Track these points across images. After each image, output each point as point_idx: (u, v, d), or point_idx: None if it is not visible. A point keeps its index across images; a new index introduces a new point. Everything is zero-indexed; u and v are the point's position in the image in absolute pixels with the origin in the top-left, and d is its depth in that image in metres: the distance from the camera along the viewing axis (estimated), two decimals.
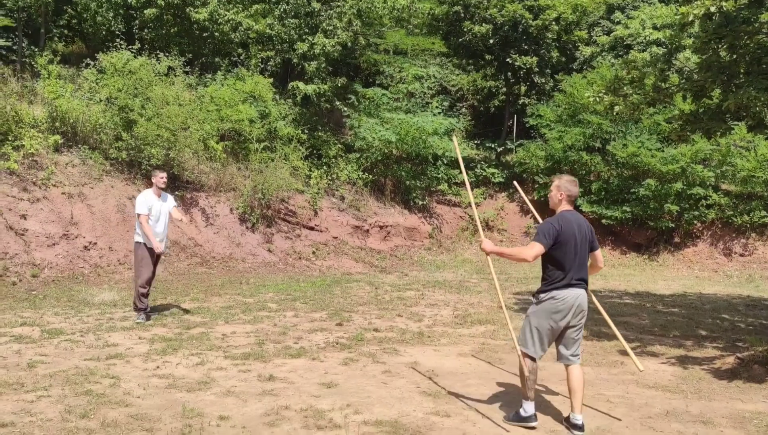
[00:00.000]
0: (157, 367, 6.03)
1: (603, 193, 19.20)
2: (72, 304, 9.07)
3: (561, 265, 4.71)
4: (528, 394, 4.76)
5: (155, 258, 8.40)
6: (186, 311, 8.79)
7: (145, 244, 8.23)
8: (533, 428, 4.73)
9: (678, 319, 9.69)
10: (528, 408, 4.77)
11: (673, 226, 18.70)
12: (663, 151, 18.35)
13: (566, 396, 5.07)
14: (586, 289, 4.82)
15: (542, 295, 4.78)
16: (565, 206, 4.90)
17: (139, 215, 8.19)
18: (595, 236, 5.00)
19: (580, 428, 4.65)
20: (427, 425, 4.72)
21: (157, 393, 5.25)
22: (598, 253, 5.07)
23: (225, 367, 6.11)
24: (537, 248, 4.65)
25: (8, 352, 6.36)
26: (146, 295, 8.26)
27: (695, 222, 18.63)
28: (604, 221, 18.99)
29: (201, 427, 4.51)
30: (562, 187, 4.88)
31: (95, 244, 11.64)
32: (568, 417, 4.79)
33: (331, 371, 6.10)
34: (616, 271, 16.99)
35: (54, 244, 11.10)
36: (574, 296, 4.70)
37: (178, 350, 6.66)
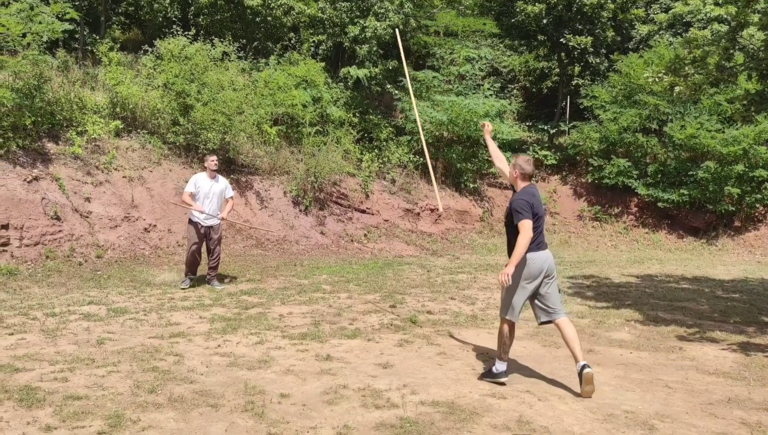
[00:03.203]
0: (219, 345, 6.22)
1: (659, 175, 18.77)
2: (134, 284, 9.40)
3: (534, 233, 5.17)
4: (503, 356, 5.33)
5: (203, 233, 9.31)
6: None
7: (190, 218, 9.33)
8: (503, 384, 5.24)
9: (739, 304, 9.45)
10: (500, 367, 5.31)
11: (734, 209, 18.15)
12: (723, 132, 17.79)
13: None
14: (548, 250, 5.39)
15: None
16: (522, 183, 5.42)
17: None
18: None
19: (587, 366, 5.08)
20: (483, 407, 4.76)
21: (220, 370, 5.42)
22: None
23: (283, 346, 6.26)
24: (527, 224, 5.12)
25: (78, 329, 6.66)
26: (189, 263, 9.27)
27: (757, 205, 18.04)
28: (660, 204, 18.59)
29: (263, 403, 4.65)
30: (518, 166, 5.41)
31: (155, 226, 11.99)
32: (578, 369, 5.14)
33: (387, 352, 6.18)
34: (672, 255, 16.62)
35: (116, 226, 11.48)
36: (543, 258, 5.25)
37: (237, 329, 6.84)
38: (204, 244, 9.41)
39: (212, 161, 9.41)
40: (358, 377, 5.34)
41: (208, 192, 9.31)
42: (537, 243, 5.22)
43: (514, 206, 5.22)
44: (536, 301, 5.36)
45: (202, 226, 9.28)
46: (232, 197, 9.75)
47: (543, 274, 5.25)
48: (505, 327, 5.34)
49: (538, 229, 5.23)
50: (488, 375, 5.37)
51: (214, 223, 9.39)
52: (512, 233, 5.31)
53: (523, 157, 5.50)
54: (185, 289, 9.10)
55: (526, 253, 5.13)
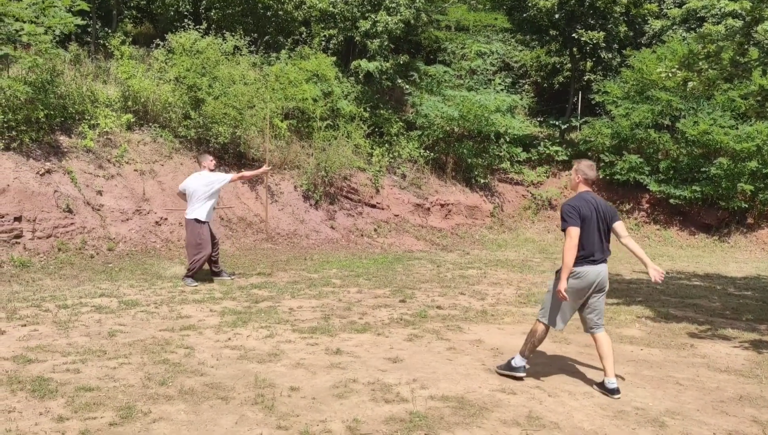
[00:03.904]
0: (229, 338, 6.24)
1: (671, 172, 18.64)
2: (146, 276, 9.45)
3: (585, 243, 4.99)
4: (526, 353, 5.27)
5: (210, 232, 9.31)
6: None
7: (197, 219, 9.17)
8: (520, 379, 5.22)
9: (751, 302, 9.39)
10: (519, 361, 5.27)
11: (747, 206, 18.00)
12: (737, 128, 17.63)
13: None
14: (606, 263, 5.16)
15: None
16: (582, 188, 5.23)
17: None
18: (616, 212, 5.27)
19: (616, 391, 4.97)
20: (493, 402, 4.75)
21: (230, 363, 5.45)
22: (618, 224, 5.24)
23: (293, 340, 6.27)
24: (572, 232, 4.95)
25: (90, 321, 6.70)
26: (201, 265, 9.21)
27: None
28: (672, 201, 18.47)
29: (273, 396, 4.67)
30: (580, 171, 5.24)
31: (166, 219, 12.04)
32: (603, 382, 5.08)
33: (396, 347, 6.19)
34: (684, 252, 16.53)
35: (128, 220, 11.54)
36: (596, 273, 5.03)
37: (247, 323, 6.87)
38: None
39: (211, 161, 9.43)
40: (368, 371, 5.35)
41: (193, 188, 9.13)
42: (590, 255, 5.01)
43: (561, 212, 5.08)
44: (583, 312, 5.22)
45: (207, 223, 9.17)
46: (228, 181, 9.42)
47: (593, 289, 5.08)
48: (540, 328, 5.22)
49: (590, 240, 5.01)
50: (506, 368, 5.32)
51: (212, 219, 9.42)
52: (607, 235, 5.18)
53: (586, 161, 5.31)
54: (196, 286, 8.95)
55: (579, 266, 4.97)
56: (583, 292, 5.06)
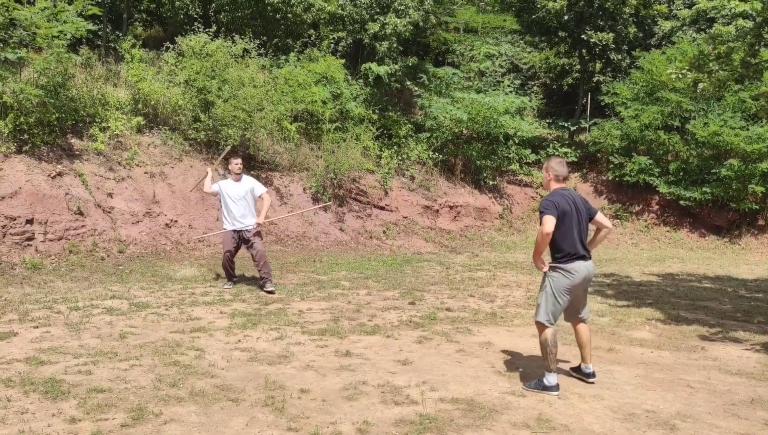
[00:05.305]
0: (239, 340, 6.27)
1: (681, 173, 18.56)
2: (156, 278, 9.49)
3: (567, 239, 5.06)
4: (551, 366, 5.06)
5: (236, 238, 8.89)
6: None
7: (227, 229, 8.96)
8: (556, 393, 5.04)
9: (762, 304, 9.33)
10: (551, 379, 5.04)
11: (758, 208, 17.89)
12: (747, 129, 17.53)
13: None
14: (590, 258, 5.24)
15: (558, 269, 5.09)
16: (555, 185, 5.25)
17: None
18: (590, 204, 5.34)
19: (593, 375, 5.30)
20: (503, 404, 4.75)
21: (240, 365, 5.47)
22: (599, 215, 5.35)
23: (303, 342, 6.29)
24: (548, 220, 4.95)
25: (101, 323, 6.74)
26: (225, 267, 9.03)
27: None
28: (682, 202, 18.39)
29: (283, 398, 4.68)
30: (551, 169, 5.26)
31: (176, 221, 12.10)
32: (579, 367, 5.40)
33: (406, 349, 6.19)
34: (694, 254, 16.44)
35: (138, 222, 11.60)
36: (585, 268, 5.11)
37: (257, 325, 6.89)
38: (241, 249, 9.01)
39: (236, 164, 8.88)
40: (378, 373, 5.36)
41: (234, 195, 8.79)
42: (575, 251, 5.07)
43: (541, 205, 5.09)
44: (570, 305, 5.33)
45: (235, 232, 8.81)
46: (267, 192, 9.15)
47: (582, 283, 5.16)
48: (547, 334, 5.07)
49: (571, 236, 5.07)
50: (536, 385, 5.09)
51: (245, 228, 8.83)
52: (586, 230, 5.26)
53: (555, 158, 5.36)
54: (228, 289, 8.85)
55: (568, 262, 5.05)
56: (574, 288, 5.12)
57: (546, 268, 5.16)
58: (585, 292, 5.34)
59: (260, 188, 9.06)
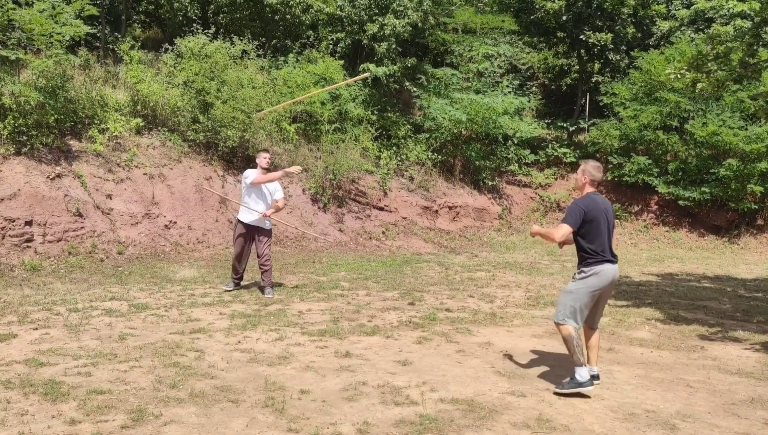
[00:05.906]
0: (239, 341, 6.26)
1: (680, 173, 18.59)
2: (155, 280, 9.48)
3: (596, 242, 5.12)
4: (580, 359, 5.02)
5: (249, 233, 8.62)
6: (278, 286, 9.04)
7: (239, 220, 8.67)
8: (588, 396, 4.96)
9: (762, 304, 9.34)
10: (583, 373, 4.99)
11: (757, 207, 17.91)
12: (746, 129, 17.56)
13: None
14: (617, 262, 5.29)
15: (585, 271, 5.12)
16: (589, 189, 5.29)
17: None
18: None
19: (597, 377, 5.26)
20: (503, 404, 4.75)
21: (240, 366, 5.46)
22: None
23: (303, 342, 6.29)
24: (564, 229, 5.08)
25: (101, 325, 6.74)
26: (235, 269, 8.83)
27: None
28: (681, 202, 18.41)
29: (283, 399, 4.68)
30: (587, 172, 5.29)
31: (175, 223, 12.09)
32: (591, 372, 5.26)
33: (406, 349, 6.19)
34: (693, 253, 16.46)
35: (137, 223, 11.59)
36: (612, 271, 5.15)
37: (257, 326, 6.89)
38: (251, 245, 8.74)
39: (265, 159, 8.63)
40: (378, 374, 5.36)
41: (261, 190, 8.58)
42: (604, 254, 5.12)
43: (568, 208, 5.17)
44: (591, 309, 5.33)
45: (248, 226, 8.58)
46: (282, 198, 8.89)
47: (608, 287, 5.20)
48: (570, 329, 5.05)
49: (600, 240, 5.13)
50: (573, 385, 4.99)
51: (261, 225, 8.61)
52: (576, 238, 5.23)
53: (593, 162, 5.36)
54: (228, 290, 8.73)
55: (597, 265, 5.09)
56: (600, 290, 5.13)
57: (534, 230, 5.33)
58: (608, 296, 5.38)
59: (280, 193, 8.81)
